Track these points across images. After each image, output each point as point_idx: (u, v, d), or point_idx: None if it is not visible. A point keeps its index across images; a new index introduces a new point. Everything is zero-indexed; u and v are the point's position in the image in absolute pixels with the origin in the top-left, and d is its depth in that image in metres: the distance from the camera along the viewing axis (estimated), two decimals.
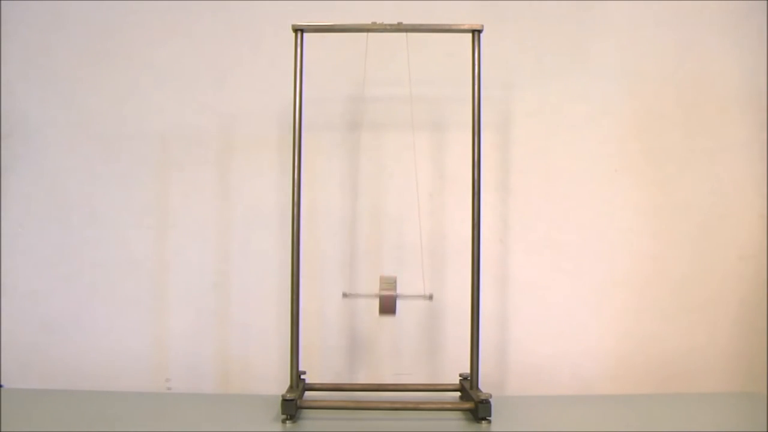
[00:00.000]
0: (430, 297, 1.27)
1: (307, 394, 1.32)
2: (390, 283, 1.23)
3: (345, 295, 1.29)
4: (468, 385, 1.25)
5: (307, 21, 1.23)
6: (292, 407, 1.15)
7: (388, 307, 1.22)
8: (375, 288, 1.23)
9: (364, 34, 1.25)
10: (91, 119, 1.53)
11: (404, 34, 1.25)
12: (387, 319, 1.50)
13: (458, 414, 1.23)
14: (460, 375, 1.34)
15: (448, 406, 1.26)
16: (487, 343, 1.38)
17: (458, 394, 1.34)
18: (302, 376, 1.33)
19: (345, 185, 1.52)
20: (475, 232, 1.23)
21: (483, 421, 1.16)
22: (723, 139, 1.54)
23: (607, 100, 1.53)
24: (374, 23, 1.23)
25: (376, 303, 1.22)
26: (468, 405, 1.21)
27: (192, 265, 1.52)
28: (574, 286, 1.52)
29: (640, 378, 1.51)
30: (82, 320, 1.51)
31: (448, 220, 1.51)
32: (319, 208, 1.51)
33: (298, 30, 1.22)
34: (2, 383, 1.48)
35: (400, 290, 1.22)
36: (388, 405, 1.23)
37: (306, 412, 1.21)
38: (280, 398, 1.16)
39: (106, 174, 1.52)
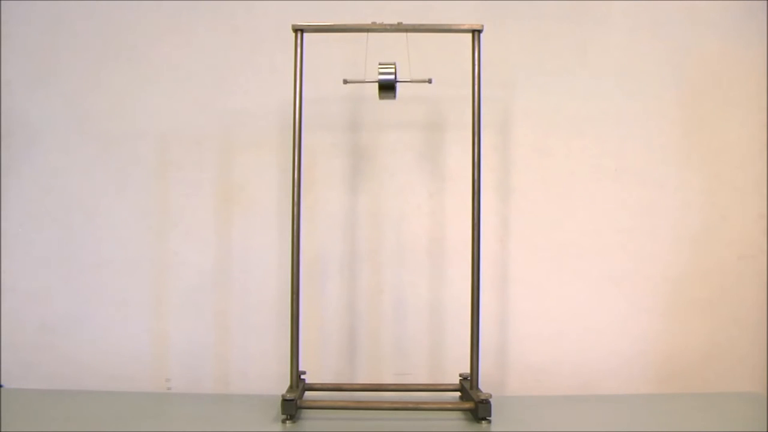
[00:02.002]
0: (430, 80, 1.26)
1: (307, 394, 1.32)
2: (389, 67, 1.22)
3: (346, 81, 1.28)
4: (468, 385, 1.25)
5: (307, 21, 1.23)
6: (292, 407, 1.15)
7: (387, 90, 1.22)
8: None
9: (365, 34, 1.25)
10: (91, 119, 1.53)
11: (404, 34, 1.25)
12: (387, 318, 1.51)
13: (458, 414, 1.23)
14: (460, 375, 1.34)
15: (448, 406, 1.27)
16: (487, 343, 1.38)
17: (458, 394, 1.34)
18: (302, 376, 1.33)
19: (345, 185, 1.52)
20: (475, 232, 1.23)
21: (483, 421, 1.16)
22: (723, 139, 1.54)
23: (607, 100, 1.53)
24: (374, 23, 1.23)
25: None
26: (468, 405, 1.21)
27: (192, 265, 1.51)
28: (574, 286, 1.52)
29: (640, 378, 1.51)
30: (82, 320, 1.51)
31: (448, 220, 1.51)
32: (319, 208, 1.51)
33: (298, 30, 1.22)
34: (2, 383, 1.48)
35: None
36: (388, 405, 1.23)
37: (306, 412, 1.21)
38: (280, 398, 1.16)
39: (106, 174, 1.52)
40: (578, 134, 1.53)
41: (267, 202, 1.51)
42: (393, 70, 1.23)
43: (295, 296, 1.22)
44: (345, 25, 1.26)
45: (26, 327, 1.51)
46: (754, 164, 1.54)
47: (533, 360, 1.51)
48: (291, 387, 1.21)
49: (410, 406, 1.23)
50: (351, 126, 1.52)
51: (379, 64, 1.23)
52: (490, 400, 1.17)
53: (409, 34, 1.25)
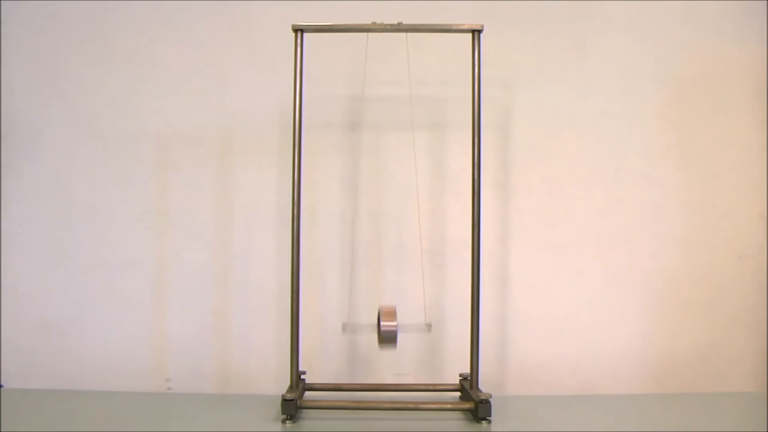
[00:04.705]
0: (429, 327, 1.29)
1: (307, 394, 1.32)
2: (389, 314, 1.21)
3: (345, 327, 1.33)
4: (468, 385, 1.25)
5: (307, 21, 1.23)
6: (292, 407, 1.15)
7: (388, 339, 1.21)
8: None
9: (364, 34, 1.25)
10: (91, 119, 1.53)
11: (404, 34, 1.25)
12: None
13: (458, 414, 1.23)
14: (460, 375, 1.34)
15: (448, 406, 1.27)
16: (487, 343, 1.38)
17: (458, 394, 1.34)
18: (302, 376, 1.33)
19: (345, 185, 1.52)
20: (475, 232, 1.23)
21: (483, 421, 1.16)
22: (723, 140, 1.54)
23: (607, 100, 1.53)
24: (374, 23, 1.23)
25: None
26: (468, 405, 1.21)
27: (192, 265, 1.51)
28: (574, 286, 1.52)
29: (640, 378, 1.51)
30: (82, 320, 1.51)
31: (448, 220, 1.51)
32: (319, 208, 1.51)
33: (298, 30, 1.22)
34: (2, 383, 1.48)
35: (399, 318, 1.21)
36: (388, 405, 1.23)
37: (306, 412, 1.21)
38: (280, 398, 1.16)
39: (105, 174, 1.52)
40: (578, 134, 1.53)
41: (267, 202, 1.51)
42: (394, 320, 1.20)
43: (295, 296, 1.22)
44: (345, 25, 1.25)
45: (26, 327, 1.51)
46: (754, 164, 1.54)
47: (533, 360, 1.51)
48: (291, 387, 1.21)
49: (410, 406, 1.23)
50: (351, 126, 1.52)
51: (380, 308, 1.22)
52: (490, 400, 1.17)
53: (409, 34, 1.25)
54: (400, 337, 1.45)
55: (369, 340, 1.51)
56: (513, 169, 1.53)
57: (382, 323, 1.21)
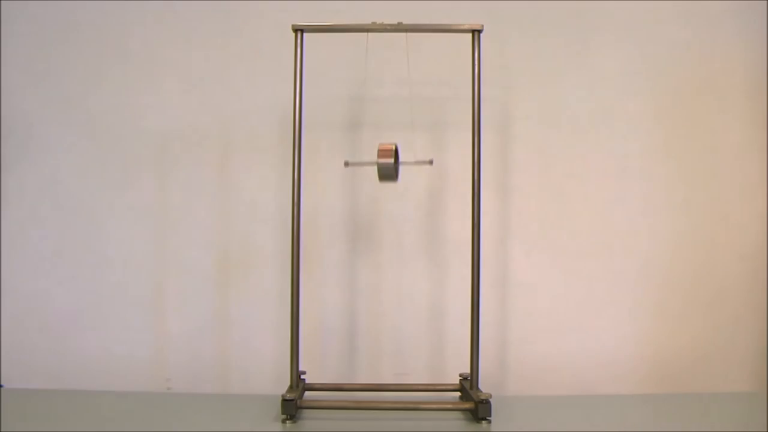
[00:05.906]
0: (431, 162, 1.25)
1: (307, 394, 1.32)
2: (389, 150, 1.19)
3: (347, 163, 1.26)
4: (468, 385, 1.25)
5: (307, 21, 1.23)
6: (292, 407, 1.15)
7: (387, 174, 1.19)
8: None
9: (365, 33, 1.25)
10: (91, 119, 1.53)
11: (404, 34, 1.25)
12: (387, 318, 1.51)
13: (458, 414, 1.23)
14: (460, 375, 1.34)
15: (448, 406, 1.27)
16: (487, 343, 1.38)
17: (458, 394, 1.34)
18: (302, 376, 1.33)
19: (345, 185, 1.52)
20: (475, 232, 1.23)
21: (483, 421, 1.16)
22: (723, 139, 1.54)
23: (607, 100, 1.53)
24: (374, 23, 1.23)
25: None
26: (468, 405, 1.21)
27: (192, 265, 1.51)
28: (574, 286, 1.52)
29: (640, 378, 1.51)
30: (82, 320, 1.51)
31: (448, 220, 1.51)
32: (319, 207, 1.51)
33: (298, 30, 1.22)
34: (2, 383, 1.48)
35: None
36: (388, 405, 1.23)
37: (306, 412, 1.21)
38: (280, 398, 1.16)
39: (106, 174, 1.52)
40: (578, 134, 1.53)
41: (267, 202, 1.51)
42: (393, 153, 1.18)
43: (295, 296, 1.22)
44: (345, 25, 1.26)
45: (26, 327, 1.51)
46: (754, 164, 1.54)
47: (533, 360, 1.51)
48: (291, 387, 1.21)
49: (410, 406, 1.23)
50: (351, 126, 1.52)
51: (380, 145, 1.20)
52: (490, 400, 1.17)
53: (409, 34, 1.25)
54: (401, 331, 1.45)
55: (369, 339, 1.51)
56: (513, 169, 1.53)
57: (381, 158, 1.18)
